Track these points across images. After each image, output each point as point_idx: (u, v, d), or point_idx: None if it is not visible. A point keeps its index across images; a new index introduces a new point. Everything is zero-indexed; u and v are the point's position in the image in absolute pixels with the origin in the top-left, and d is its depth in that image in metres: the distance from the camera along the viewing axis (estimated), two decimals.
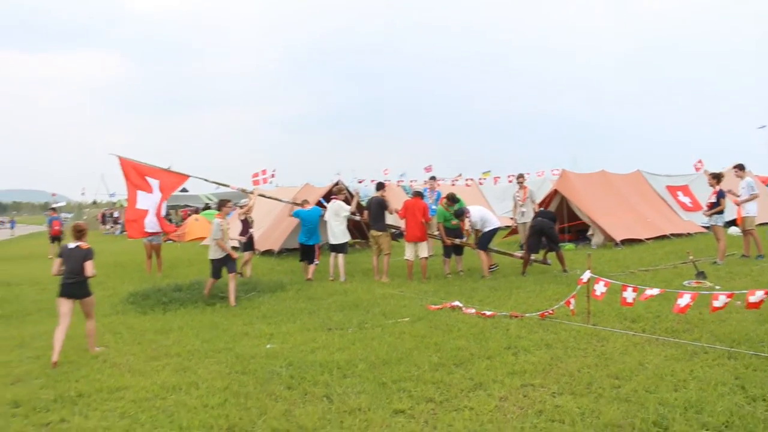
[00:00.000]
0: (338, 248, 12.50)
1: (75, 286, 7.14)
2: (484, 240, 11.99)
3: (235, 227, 13.14)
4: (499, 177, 28.39)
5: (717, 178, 11.99)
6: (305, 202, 13.16)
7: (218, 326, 8.40)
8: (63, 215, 23.63)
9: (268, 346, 7.07)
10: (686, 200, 19.47)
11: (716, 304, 5.81)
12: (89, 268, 7.13)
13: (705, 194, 13.65)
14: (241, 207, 14.48)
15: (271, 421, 4.70)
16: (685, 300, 6.16)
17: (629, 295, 6.67)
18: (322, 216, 12.90)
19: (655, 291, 6.50)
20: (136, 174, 14.17)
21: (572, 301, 7.45)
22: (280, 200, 14.86)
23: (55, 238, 22.72)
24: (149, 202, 13.99)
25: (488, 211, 12.77)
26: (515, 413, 4.71)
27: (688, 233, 17.06)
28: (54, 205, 40.82)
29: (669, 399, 4.73)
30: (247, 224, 13.54)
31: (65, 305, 7.14)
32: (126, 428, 4.73)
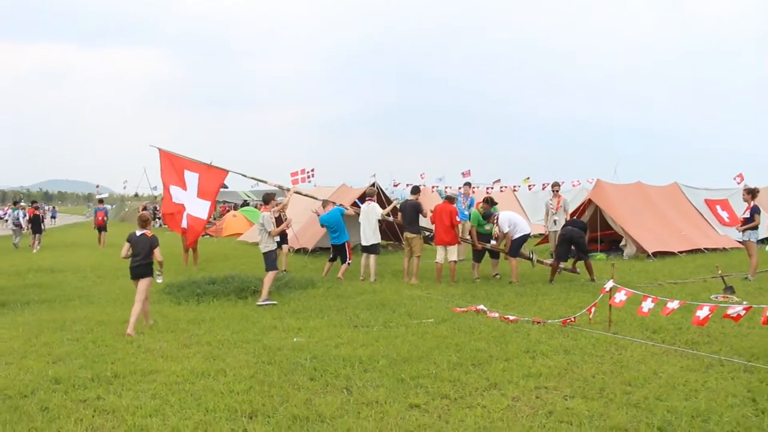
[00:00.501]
0: (370, 249, 12.77)
1: (140, 268, 8.22)
2: (515, 246, 12.11)
3: None
4: (533, 185, 28.33)
5: (752, 193, 11.91)
6: (327, 203, 13.62)
7: (248, 319, 8.70)
8: (99, 207, 25.35)
9: (295, 339, 7.34)
10: (724, 214, 19.27)
11: (730, 312, 5.89)
12: (157, 253, 8.30)
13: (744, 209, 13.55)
14: (277, 204, 14.84)
15: (292, 408, 4.94)
16: (704, 312, 6.22)
17: (647, 305, 6.77)
18: (345, 214, 13.22)
19: (675, 304, 6.58)
20: (173, 168, 14.59)
21: (593, 309, 7.56)
22: (316, 198, 15.15)
23: (100, 228, 24.17)
24: (183, 197, 14.42)
25: (519, 217, 12.84)
26: (526, 413, 4.87)
27: (724, 248, 16.90)
28: (100, 196, 42.27)
29: (678, 407, 4.84)
30: (280, 221, 13.89)
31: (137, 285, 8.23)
32: (156, 408, 5.02)
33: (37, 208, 25.67)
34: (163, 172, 14.84)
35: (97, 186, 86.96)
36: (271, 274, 10.27)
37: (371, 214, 12.85)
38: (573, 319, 7.88)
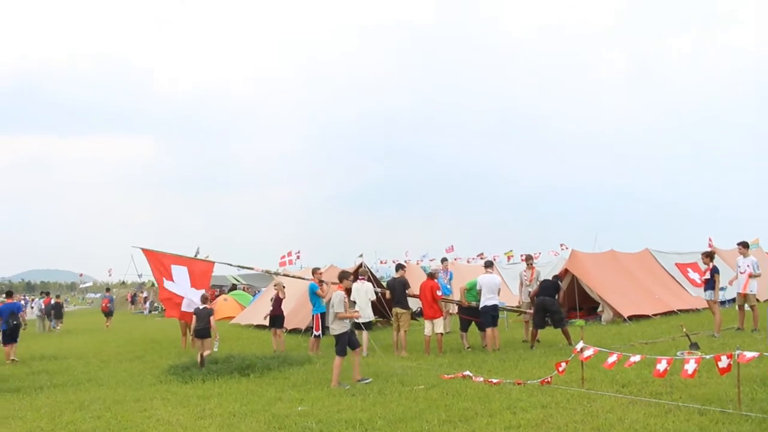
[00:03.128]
0: (365, 325, 13.49)
1: (203, 330, 12.74)
2: (488, 317, 12.86)
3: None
4: (512, 256, 29.42)
5: (710, 256, 12.97)
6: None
7: (254, 393, 9.41)
8: (106, 295, 32.03)
9: (299, 408, 8.07)
10: (695, 276, 20.24)
11: (686, 367, 6.78)
12: (212, 321, 12.82)
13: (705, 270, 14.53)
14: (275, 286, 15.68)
15: None
16: (663, 365, 7.14)
17: (611, 359, 7.68)
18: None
19: (637, 357, 7.48)
20: (159, 264, 15.52)
21: (563, 364, 8.41)
22: (304, 278, 15.94)
23: (105, 313, 29.39)
24: (177, 288, 15.30)
25: (493, 285, 13.16)
26: None
27: (696, 309, 17.78)
28: (85, 285, 46.89)
29: None
30: (279, 301, 14.77)
31: (199, 342, 12.87)
32: None
33: (58, 297, 31.85)
34: (153, 268, 15.74)
35: (81, 275, 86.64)
36: (338, 360, 9.80)
37: (363, 292, 13.58)
38: (549, 379, 8.68)
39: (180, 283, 15.14)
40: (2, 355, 15.37)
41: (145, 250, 15.50)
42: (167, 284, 15.27)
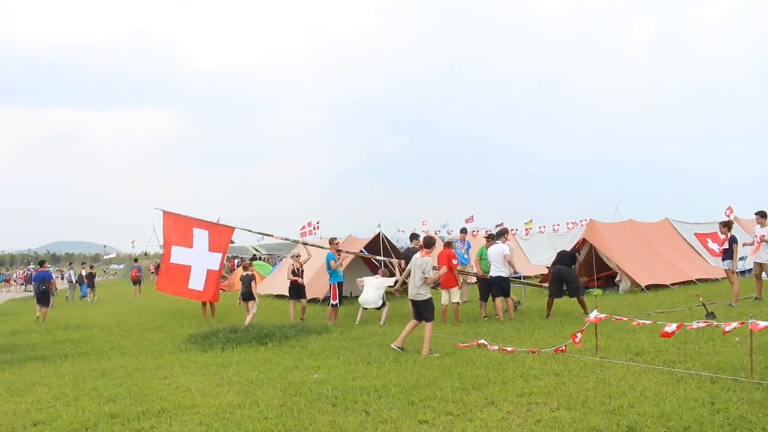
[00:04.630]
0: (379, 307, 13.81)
1: (246, 294, 14.73)
2: (495, 288, 13.01)
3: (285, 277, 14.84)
4: (531, 227, 29.38)
5: (727, 225, 12.86)
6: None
7: (271, 361, 9.58)
8: (135, 265, 35.31)
9: (315, 375, 8.22)
10: (715, 246, 20.11)
11: (693, 326, 6.85)
12: (253, 286, 14.66)
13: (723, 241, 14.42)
14: (293, 257, 15.83)
15: (320, 427, 5.84)
16: (671, 328, 7.25)
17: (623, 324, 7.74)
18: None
19: (648, 322, 7.56)
20: (178, 228, 15.68)
21: (579, 335, 8.45)
22: (322, 247, 16.05)
23: (135, 281, 32.37)
24: (189, 257, 15.47)
25: (502, 256, 13.10)
26: (518, 422, 5.74)
27: (716, 278, 17.70)
28: (108, 257, 49.52)
29: (647, 411, 5.70)
30: (297, 274, 14.95)
31: (245, 304, 15.07)
32: None
33: (92, 267, 35.56)
34: (166, 233, 15.92)
35: (105, 246, 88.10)
36: (430, 326, 9.79)
37: (375, 285, 13.87)
38: (564, 348, 8.74)
39: (198, 247, 15.32)
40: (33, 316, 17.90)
41: (166, 213, 15.71)
42: (176, 253, 15.45)
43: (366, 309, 13.86)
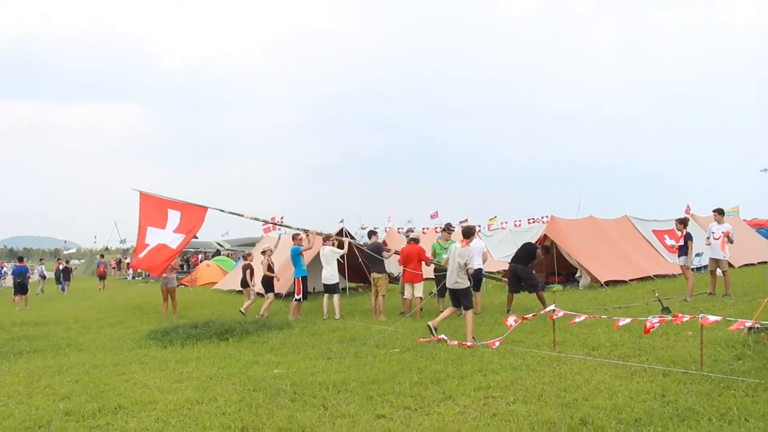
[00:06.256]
0: (331, 289, 13.81)
1: (243, 282, 16.02)
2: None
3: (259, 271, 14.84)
4: (493, 223, 29.66)
5: (683, 222, 13.20)
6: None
7: (231, 357, 9.52)
8: (101, 261, 37.26)
9: (275, 371, 8.19)
10: (672, 243, 20.55)
11: (647, 325, 6.99)
12: (248, 275, 15.91)
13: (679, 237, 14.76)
14: (263, 253, 15.72)
15: (278, 422, 5.82)
16: (624, 321, 7.47)
17: (579, 320, 7.91)
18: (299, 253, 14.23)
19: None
20: (154, 209, 15.40)
21: (510, 319, 8.82)
22: (292, 227, 15.83)
23: (101, 276, 33.92)
24: (159, 237, 15.19)
25: (481, 252, 13.62)
26: (474, 416, 5.81)
27: (672, 274, 18.09)
28: (68, 252, 50.68)
29: (600, 404, 5.82)
30: (270, 268, 14.89)
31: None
32: (160, 429, 5.84)
33: (68, 262, 38.95)
34: (142, 214, 15.62)
35: (65, 241, 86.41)
36: (471, 313, 10.01)
37: (329, 256, 13.93)
38: (498, 342, 8.87)
39: (170, 227, 15.07)
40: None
41: (143, 193, 15.43)
42: (152, 234, 15.16)
43: (330, 295, 13.80)
